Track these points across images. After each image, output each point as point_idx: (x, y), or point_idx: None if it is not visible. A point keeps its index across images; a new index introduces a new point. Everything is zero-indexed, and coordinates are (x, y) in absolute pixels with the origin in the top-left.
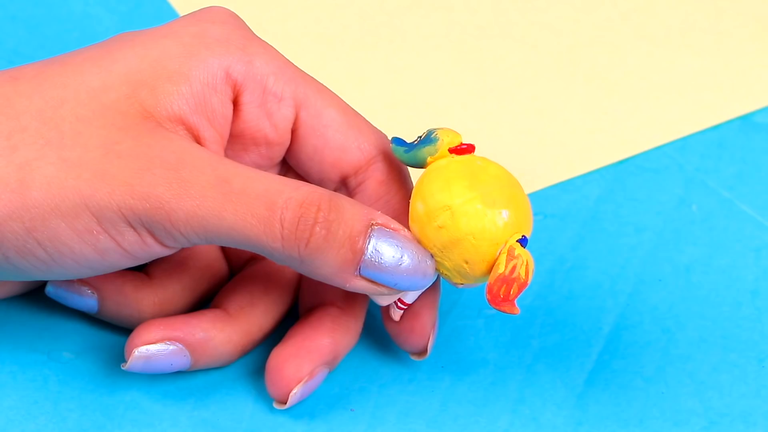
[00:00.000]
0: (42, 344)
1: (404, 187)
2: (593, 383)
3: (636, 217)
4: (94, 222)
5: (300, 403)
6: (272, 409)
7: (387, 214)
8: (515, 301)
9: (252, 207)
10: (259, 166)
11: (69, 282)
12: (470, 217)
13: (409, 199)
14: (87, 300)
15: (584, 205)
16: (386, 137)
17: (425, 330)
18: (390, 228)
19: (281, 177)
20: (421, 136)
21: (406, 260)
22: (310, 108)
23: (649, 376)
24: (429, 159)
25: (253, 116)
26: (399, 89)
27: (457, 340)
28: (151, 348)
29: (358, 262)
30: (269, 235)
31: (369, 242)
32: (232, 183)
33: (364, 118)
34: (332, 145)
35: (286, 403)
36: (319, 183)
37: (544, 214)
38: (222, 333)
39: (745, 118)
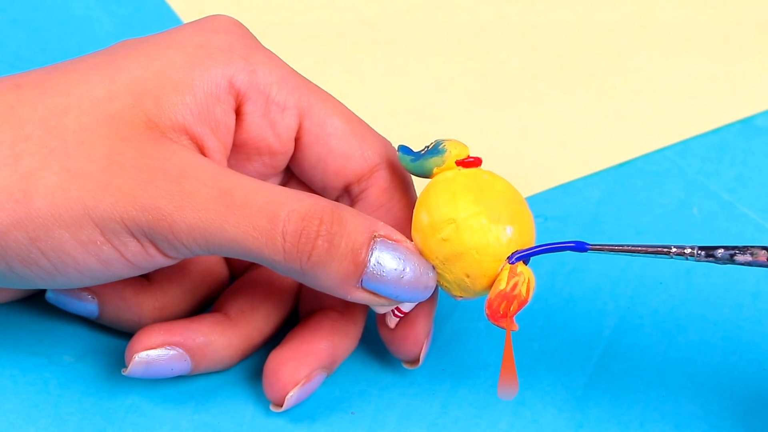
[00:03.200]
0: (42, 348)
1: (407, 196)
2: (594, 386)
3: (637, 219)
4: (98, 233)
5: (300, 406)
6: (272, 412)
7: (388, 222)
8: (514, 318)
9: (254, 219)
10: (262, 175)
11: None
12: (474, 231)
13: (412, 207)
14: (87, 305)
15: (585, 208)
16: (391, 144)
17: (419, 339)
18: (393, 240)
19: (284, 188)
20: (428, 146)
21: (408, 273)
22: (314, 117)
23: (650, 379)
24: (435, 170)
25: (256, 126)
26: (400, 92)
27: (457, 343)
28: (152, 353)
29: (360, 274)
30: (271, 248)
31: (371, 254)
32: (234, 195)
33: (368, 126)
34: (336, 154)
35: (282, 406)
36: (322, 191)
37: (545, 217)
38: (222, 337)
39: (745, 122)
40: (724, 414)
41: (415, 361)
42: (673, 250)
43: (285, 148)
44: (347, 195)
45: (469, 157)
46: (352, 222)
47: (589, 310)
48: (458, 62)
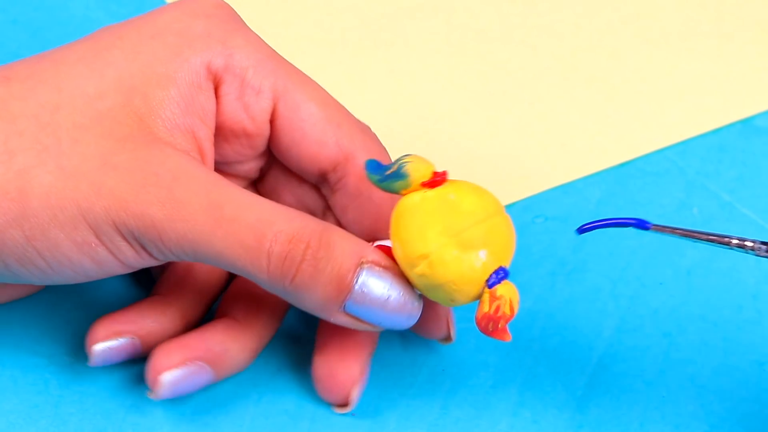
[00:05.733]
0: (43, 348)
1: None
2: (594, 387)
3: None
4: (92, 234)
5: (301, 406)
6: (272, 412)
7: (370, 211)
8: (506, 329)
9: (241, 236)
10: (241, 155)
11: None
12: (448, 265)
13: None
14: (133, 346)
15: (585, 208)
16: (370, 130)
17: (442, 317)
18: (380, 266)
19: (277, 205)
20: (393, 168)
21: (392, 302)
22: (288, 101)
23: (650, 380)
24: (402, 191)
25: (230, 108)
26: (400, 92)
27: (457, 343)
28: (176, 373)
29: (343, 299)
30: (256, 267)
31: (357, 281)
32: (225, 209)
33: (347, 112)
34: (309, 140)
35: (348, 406)
36: (300, 175)
37: (545, 217)
38: (237, 343)
39: (745, 122)
40: (724, 415)
41: (447, 337)
42: (734, 241)
43: (260, 131)
44: (326, 183)
45: (434, 175)
46: (340, 246)
47: (589, 310)
48: (458, 62)
